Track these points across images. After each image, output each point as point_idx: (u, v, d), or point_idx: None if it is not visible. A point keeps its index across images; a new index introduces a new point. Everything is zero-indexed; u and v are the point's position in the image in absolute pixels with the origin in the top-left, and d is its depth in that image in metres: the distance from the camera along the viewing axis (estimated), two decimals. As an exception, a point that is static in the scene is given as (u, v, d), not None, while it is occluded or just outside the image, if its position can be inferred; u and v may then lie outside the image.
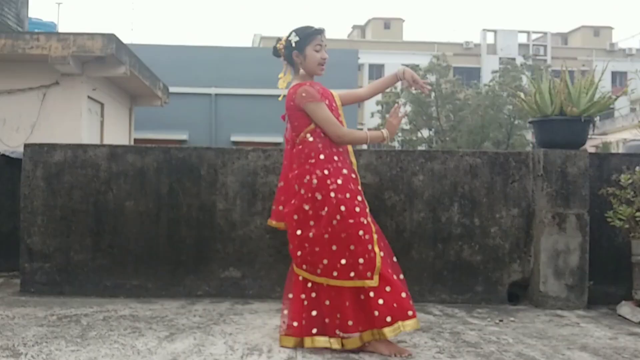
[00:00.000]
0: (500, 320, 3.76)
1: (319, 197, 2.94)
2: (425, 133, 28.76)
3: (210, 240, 4.31)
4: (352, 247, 2.90)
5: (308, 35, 3.05)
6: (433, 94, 27.60)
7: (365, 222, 2.95)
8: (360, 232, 2.91)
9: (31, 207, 4.31)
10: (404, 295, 2.92)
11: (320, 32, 3.07)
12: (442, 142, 27.22)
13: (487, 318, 3.84)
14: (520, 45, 43.40)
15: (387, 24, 46.19)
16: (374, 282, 2.87)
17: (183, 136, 20.98)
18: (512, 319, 3.82)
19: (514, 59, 33.48)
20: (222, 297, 4.23)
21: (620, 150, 20.44)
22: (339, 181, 2.95)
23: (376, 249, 2.92)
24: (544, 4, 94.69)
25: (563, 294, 4.16)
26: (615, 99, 4.46)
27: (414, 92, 27.75)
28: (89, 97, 10.63)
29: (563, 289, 4.17)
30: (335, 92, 3.22)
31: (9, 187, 5.04)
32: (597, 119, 4.51)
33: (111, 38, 9.70)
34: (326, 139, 3.03)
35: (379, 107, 30.17)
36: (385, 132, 3.07)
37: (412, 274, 4.29)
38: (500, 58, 37.31)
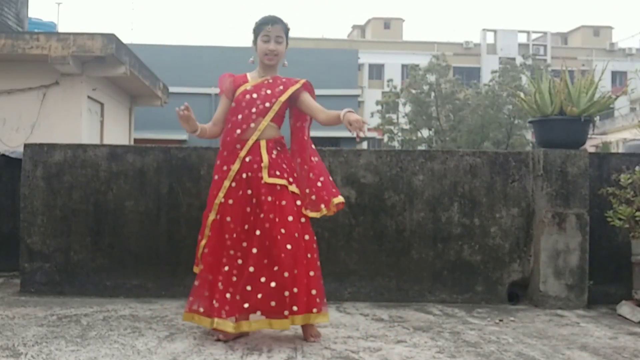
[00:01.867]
0: (500, 320, 3.76)
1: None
2: (425, 133, 28.76)
3: (210, 240, 4.30)
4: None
5: (257, 26, 3.22)
6: (433, 94, 27.60)
7: (212, 215, 3.15)
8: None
9: (31, 207, 4.31)
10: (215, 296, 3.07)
11: (269, 22, 3.18)
12: (442, 142, 27.21)
13: (487, 318, 3.84)
14: (520, 45, 43.41)
15: (387, 23, 46.21)
16: (195, 270, 3.25)
17: (183, 136, 20.99)
18: (512, 318, 3.82)
19: (513, 59, 33.49)
20: (222, 297, 4.22)
21: (620, 150, 20.47)
22: (218, 161, 3.22)
23: (203, 242, 3.17)
24: (544, 4, 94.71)
25: (563, 294, 4.16)
26: (615, 99, 4.46)
27: (413, 92, 27.81)
28: (88, 97, 10.63)
29: (563, 288, 4.17)
30: (301, 92, 3.22)
31: (9, 187, 5.03)
32: (597, 118, 4.51)
33: (111, 38, 9.70)
34: (230, 116, 3.23)
35: (379, 107, 30.20)
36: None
37: (412, 274, 4.30)
38: (500, 58, 37.33)
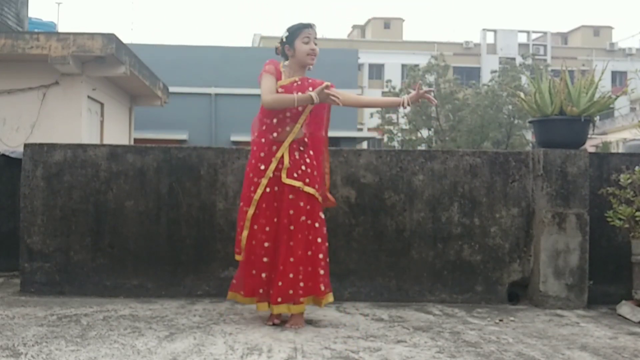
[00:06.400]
0: (500, 320, 3.76)
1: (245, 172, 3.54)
2: (424, 133, 28.75)
3: (210, 240, 4.31)
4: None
5: (296, 29, 3.41)
6: (432, 94, 27.56)
7: (251, 210, 3.38)
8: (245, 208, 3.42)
9: (31, 207, 4.31)
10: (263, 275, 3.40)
11: (308, 26, 3.42)
12: (441, 141, 27.21)
13: (487, 318, 3.84)
14: (520, 45, 43.39)
15: (387, 23, 46.18)
16: (238, 258, 3.49)
17: (183, 136, 21.00)
18: (512, 318, 3.82)
19: (513, 59, 33.46)
20: (222, 297, 4.21)
21: (620, 150, 20.47)
22: (253, 160, 3.44)
23: (245, 233, 3.38)
24: (544, 4, 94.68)
25: (563, 294, 4.17)
26: (615, 99, 4.46)
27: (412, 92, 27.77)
28: (88, 97, 10.64)
29: (563, 288, 4.17)
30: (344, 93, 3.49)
31: (9, 187, 5.03)
32: (597, 118, 4.51)
33: (111, 38, 9.71)
34: (264, 118, 3.42)
35: (378, 107, 30.17)
36: (313, 94, 3.30)
37: (412, 274, 4.30)
38: (499, 58, 37.30)
